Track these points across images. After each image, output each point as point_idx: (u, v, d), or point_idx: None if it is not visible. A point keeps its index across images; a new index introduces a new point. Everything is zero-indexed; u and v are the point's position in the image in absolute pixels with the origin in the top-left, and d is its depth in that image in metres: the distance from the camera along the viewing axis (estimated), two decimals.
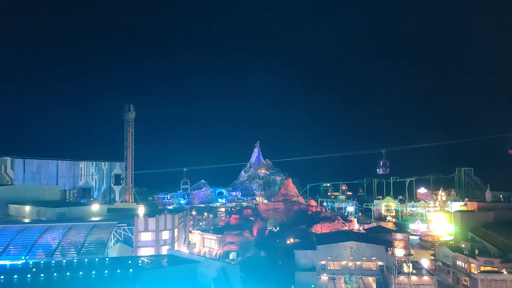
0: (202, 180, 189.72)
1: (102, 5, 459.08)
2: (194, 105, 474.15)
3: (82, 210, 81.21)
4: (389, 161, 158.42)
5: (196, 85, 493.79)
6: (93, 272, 44.02)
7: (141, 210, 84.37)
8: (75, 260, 51.81)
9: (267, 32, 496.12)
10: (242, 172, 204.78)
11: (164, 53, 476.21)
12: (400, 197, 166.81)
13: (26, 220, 75.83)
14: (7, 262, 51.33)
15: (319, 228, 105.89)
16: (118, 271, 44.31)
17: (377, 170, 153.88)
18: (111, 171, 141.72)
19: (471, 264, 75.11)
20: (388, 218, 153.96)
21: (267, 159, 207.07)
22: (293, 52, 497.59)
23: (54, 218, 74.35)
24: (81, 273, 43.64)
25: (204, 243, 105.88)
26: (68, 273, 43.46)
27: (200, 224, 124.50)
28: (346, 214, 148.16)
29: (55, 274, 43.38)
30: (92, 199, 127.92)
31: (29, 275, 42.65)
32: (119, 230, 71.76)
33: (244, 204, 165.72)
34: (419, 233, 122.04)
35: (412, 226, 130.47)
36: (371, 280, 78.36)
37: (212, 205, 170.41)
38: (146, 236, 72.72)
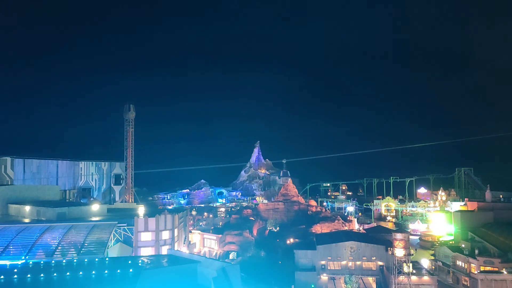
0: (202, 180, 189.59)
1: (102, 4, 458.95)
2: (194, 105, 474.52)
3: (82, 210, 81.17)
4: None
5: (196, 85, 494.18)
6: (93, 272, 44.06)
7: (141, 210, 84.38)
8: (75, 260, 51.86)
9: (268, 32, 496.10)
10: (242, 172, 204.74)
11: (164, 52, 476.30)
12: (400, 197, 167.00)
13: (26, 220, 75.78)
14: (7, 262, 51.30)
15: (319, 228, 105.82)
16: (118, 271, 44.34)
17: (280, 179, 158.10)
18: (111, 171, 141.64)
19: (471, 264, 75.12)
20: (388, 218, 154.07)
21: (267, 159, 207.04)
22: (293, 52, 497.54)
23: (54, 218, 74.32)
24: (81, 273, 43.68)
25: (204, 243, 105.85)
26: (68, 273, 43.49)
27: (200, 224, 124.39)
28: (346, 214, 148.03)
29: (55, 274, 43.42)
30: (92, 199, 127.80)
31: (29, 275, 42.65)
32: (119, 230, 71.75)
33: (244, 204, 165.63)
34: (419, 233, 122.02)
35: (412, 226, 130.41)
36: (371, 280, 78.36)
37: (212, 205, 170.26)
38: (146, 236, 72.69)
